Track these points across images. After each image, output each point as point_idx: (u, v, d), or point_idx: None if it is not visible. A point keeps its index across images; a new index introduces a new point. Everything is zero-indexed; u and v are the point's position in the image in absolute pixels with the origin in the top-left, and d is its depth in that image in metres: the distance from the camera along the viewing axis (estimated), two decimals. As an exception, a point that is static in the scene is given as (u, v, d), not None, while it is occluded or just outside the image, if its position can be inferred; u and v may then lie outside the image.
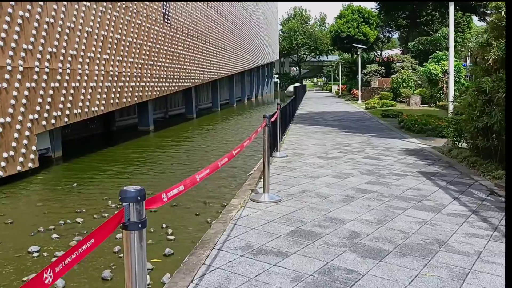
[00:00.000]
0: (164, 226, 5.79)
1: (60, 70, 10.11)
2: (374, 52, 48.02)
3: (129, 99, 13.91)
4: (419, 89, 25.40)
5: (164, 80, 17.15)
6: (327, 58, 79.99)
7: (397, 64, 31.01)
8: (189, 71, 20.78)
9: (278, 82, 70.82)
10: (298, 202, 5.52)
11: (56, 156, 10.91)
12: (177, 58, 18.86)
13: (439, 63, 22.71)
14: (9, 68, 8.36)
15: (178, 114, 24.22)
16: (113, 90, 12.78)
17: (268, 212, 5.08)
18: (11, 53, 8.43)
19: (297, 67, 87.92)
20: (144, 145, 13.62)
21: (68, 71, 10.46)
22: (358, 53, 29.33)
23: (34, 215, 6.38)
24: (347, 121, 17.06)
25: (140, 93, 14.87)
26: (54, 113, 9.91)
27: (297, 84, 40.84)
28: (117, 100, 13.05)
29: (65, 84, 10.36)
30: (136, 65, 14.41)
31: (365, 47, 35.51)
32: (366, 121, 17.27)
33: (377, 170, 7.48)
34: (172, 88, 18.26)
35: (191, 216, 6.26)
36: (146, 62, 15.31)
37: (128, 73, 13.80)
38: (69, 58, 10.53)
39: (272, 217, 4.87)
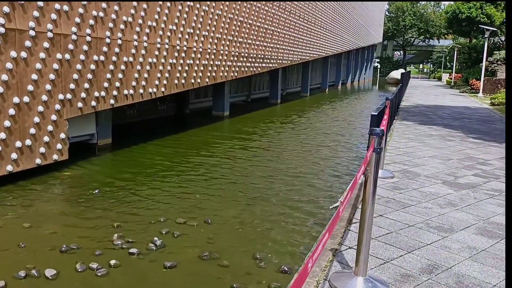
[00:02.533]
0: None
1: (107, 40, 8.11)
2: (499, 37, 40.76)
3: (198, 80, 11.71)
4: None
5: (245, 59, 14.73)
6: (438, 42, 71.58)
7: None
8: (277, 50, 18.10)
9: (378, 67, 65.09)
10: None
11: (102, 144, 9.08)
12: (263, 35, 16.28)
13: None
14: (32, 33, 6.47)
15: (262, 98, 21.81)
16: (179, 68, 10.64)
17: None
18: (55, 16, 6.53)
19: (401, 51, 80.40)
20: (209, 139, 11.35)
21: (119, 42, 8.44)
22: (486, 36, 24.02)
23: (7, 247, 4.31)
24: (472, 122, 13.17)
25: (214, 74, 12.61)
26: (96, 93, 7.97)
27: (402, 71, 35.95)
28: (183, 81, 10.91)
29: (114, 58, 8.35)
30: (211, 40, 12.14)
31: (496, 29, 29.51)
32: (498, 122, 13.21)
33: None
34: (254, 69, 15.78)
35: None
36: (224, 37, 12.97)
37: (200, 49, 11.57)
38: (122, 26, 8.50)
39: None
